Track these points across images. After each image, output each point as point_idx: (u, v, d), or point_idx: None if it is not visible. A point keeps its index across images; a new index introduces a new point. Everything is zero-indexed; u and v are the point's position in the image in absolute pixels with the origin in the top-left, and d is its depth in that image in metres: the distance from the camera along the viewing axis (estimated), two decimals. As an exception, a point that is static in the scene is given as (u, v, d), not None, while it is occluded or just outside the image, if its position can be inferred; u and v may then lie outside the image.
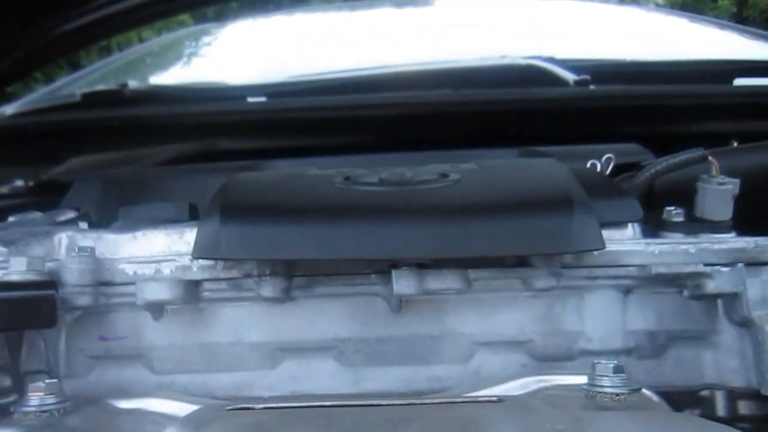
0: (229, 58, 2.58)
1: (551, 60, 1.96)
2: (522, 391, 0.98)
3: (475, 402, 0.84)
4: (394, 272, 0.98)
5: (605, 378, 0.90)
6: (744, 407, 1.02)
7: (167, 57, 2.68)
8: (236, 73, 2.21)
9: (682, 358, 1.05)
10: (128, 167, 1.51)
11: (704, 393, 1.04)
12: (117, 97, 1.74)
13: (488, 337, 1.05)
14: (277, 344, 1.05)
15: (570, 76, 1.79)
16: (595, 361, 0.91)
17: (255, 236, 0.94)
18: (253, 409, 0.76)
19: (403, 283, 0.97)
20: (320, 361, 1.05)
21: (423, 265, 0.99)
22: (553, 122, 1.63)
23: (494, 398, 0.83)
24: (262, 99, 1.82)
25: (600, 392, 0.89)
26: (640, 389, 0.90)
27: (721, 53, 2.04)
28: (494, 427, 0.71)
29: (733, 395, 1.02)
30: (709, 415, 1.04)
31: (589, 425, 0.74)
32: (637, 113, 1.63)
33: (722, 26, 2.49)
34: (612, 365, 0.90)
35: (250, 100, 1.82)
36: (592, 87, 1.73)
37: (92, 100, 1.75)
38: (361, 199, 1.02)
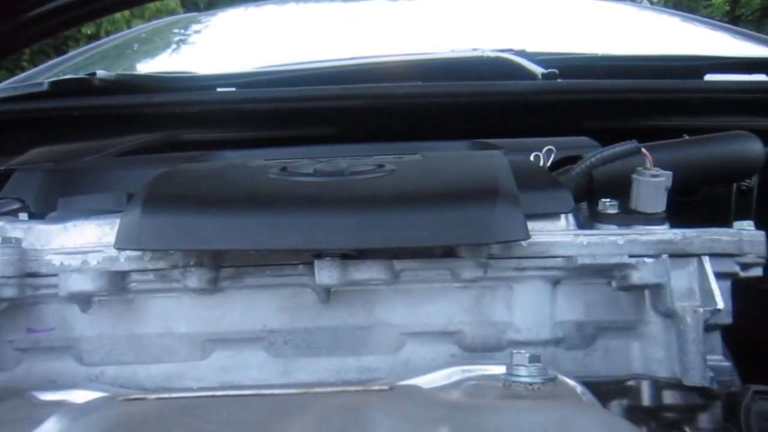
0: (208, 47, 2.58)
1: (521, 53, 1.95)
2: (446, 381, 0.98)
3: (365, 391, 0.84)
4: (316, 263, 0.97)
5: (521, 368, 0.90)
6: (668, 397, 1.02)
7: (148, 46, 2.67)
8: (212, 63, 2.21)
9: (611, 348, 1.05)
10: (71, 158, 1.51)
11: (631, 383, 1.04)
12: (85, 87, 1.72)
13: (417, 327, 1.04)
14: (206, 335, 1.05)
15: (538, 70, 1.78)
16: (514, 351, 0.91)
17: (175, 227, 0.94)
18: (145, 399, 0.76)
19: (325, 273, 0.97)
20: (250, 352, 1.05)
21: (348, 256, 0.99)
22: (517, 115, 1.62)
23: (385, 387, 0.82)
24: (232, 89, 1.82)
25: (515, 381, 0.88)
26: (555, 378, 0.90)
27: (696, 50, 2.02)
28: (370, 414, 0.71)
29: (658, 385, 1.02)
30: (635, 404, 1.04)
31: (465, 413, 0.74)
32: (603, 107, 1.62)
33: (709, 25, 2.47)
34: (528, 355, 0.90)
35: (220, 90, 1.82)
36: (559, 81, 1.72)
37: (59, 89, 1.73)
38: (289, 189, 1.02)
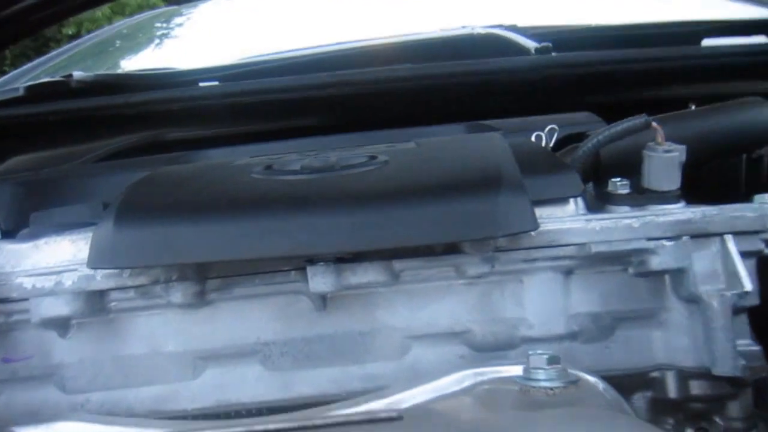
0: (192, 41, 2.48)
1: (512, 28, 1.86)
2: (457, 387, 0.89)
3: (371, 422, 0.75)
4: (309, 269, 0.88)
5: (539, 371, 0.81)
6: (696, 387, 0.94)
7: (131, 42, 2.56)
8: (196, 56, 2.11)
9: (631, 339, 0.96)
10: (50, 166, 1.41)
11: (655, 374, 0.96)
12: (62, 89, 1.63)
13: (422, 329, 0.96)
14: (197, 352, 0.96)
15: (531, 44, 1.69)
16: (530, 352, 0.83)
17: (152, 240, 0.84)
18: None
19: (319, 280, 0.88)
20: (245, 368, 0.96)
21: (343, 259, 0.89)
22: (512, 94, 1.53)
23: (394, 414, 0.73)
24: (214, 83, 1.73)
25: (534, 387, 0.79)
26: (578, 380, 0.80)
27: (692, 15, 1.92)
28: None
29: (684, 375, 0.94)
30: (660, 397, 0.96)
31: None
32: (602, 80, 1.54)
33: None
34: (546, 356, 0.81)
35: (203, 84, 1.73)
36: (553, 54, 1.62)
37: (36, 93, 1.64)
38: (275, 190, 0.92)
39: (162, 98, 1.58)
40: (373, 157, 1.00)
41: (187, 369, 0.96)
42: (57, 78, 1.71)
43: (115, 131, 1.57)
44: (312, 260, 0.88)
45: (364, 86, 1.56)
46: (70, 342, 0.96)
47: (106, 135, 1.57)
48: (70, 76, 1.66)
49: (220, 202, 0.89)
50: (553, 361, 0.81)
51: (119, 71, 2.15)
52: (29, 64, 2.27)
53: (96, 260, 0.85)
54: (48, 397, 0.96)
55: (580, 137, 1.20)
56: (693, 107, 1.31)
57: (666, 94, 1.54)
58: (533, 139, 1.17)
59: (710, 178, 1.26)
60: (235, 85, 1.64)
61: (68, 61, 2.24)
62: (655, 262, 0.91)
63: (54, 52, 2.45)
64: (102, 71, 1.93)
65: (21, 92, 1.64)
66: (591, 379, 0.87)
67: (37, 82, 1.75)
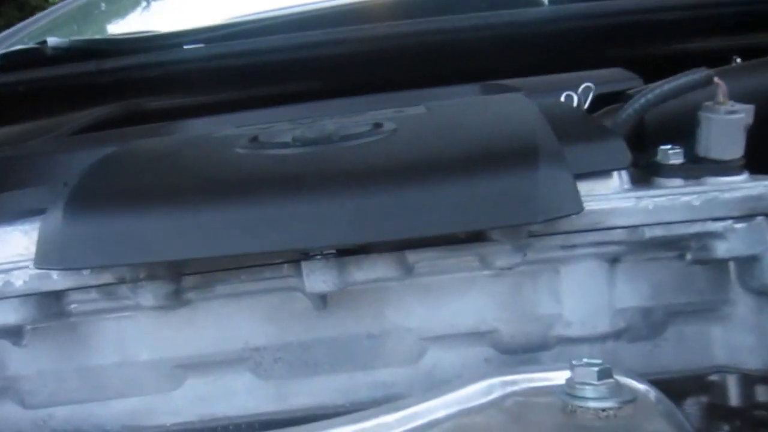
0: (178, 2, 2.29)
1: None
2: (484, 399, 0.74)
3: None
4: (303, 265, 0.72)
5: (587, 387, 0.65)
6: (762, 393, 0.80)
7: (116, 6, 2.38)
8: (181, 19, 1.93)
9: (685, 336, 0.82)
10: (22, 140, 1.25)
11: (713, 378, 0.83)
12: (36, 57, 1.47)
13: (441, 329, 0.81)
14: (175, 360, 0.81)
15: None
16: (574, 362, 0.67)
17: (109, 235, 0.68)
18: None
19: (316, 278, 0.73)
20: (233, 377, 0.82)
21: (345, 251, 0.73)
22: (526, 49, 1.36)
23: None
24: (198, 46, 1.55)
25: (581, 407, 0.64)
26: (635, 398, 0.65)
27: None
28: None
29: (748, 380, 0.80)
30: (718, 402, 0.83)
31: None
32: (624, 32, 1.36)
33: None
34: (597, 369, 0.67)
35: (187, 48, 1.55)
36: (569, 5, 1.45)
37: (9, 62, 1.48)
38: (261, 168, 0.76)
39: (138, 63, 1.41)
40: (378, 126, 0.84)
41: (165, 379, 0.82)
42: (30, 45, 1.55)
43: (89, 101, 1.42)
44: (307, 254, 0.72)
45: (363, 45, 1.40)
46: (26, 351, 0.81)
47: (79, 106, 1.42)
48: (44, 42, 1.50)
49: (195, 186, 0.73)
50: (604, 375, 0.66)
51: (105, 36, 1.97)
52: (9, 30, 2.09)
53: (42, 259, 0.70)
54: (6, 414, 0.83)
55: (614, 98, 1.04)
56: (738, 61, 1.14)
57: (702, 46, 1.36)
58: (562, 100, 1.00)
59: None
60: (220, 46, 1.47)
61: (51, 25, 2.06)
62: (722, 249, 0.75)
63: (36, 17, 2.27)
64: (84, 37, 1.77)
65: None
66: (641, 387, 0.72)
67: (10, 50, 1.59)
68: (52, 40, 1.52)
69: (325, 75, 1.40)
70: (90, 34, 2.06)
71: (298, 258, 0.75)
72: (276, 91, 1.38)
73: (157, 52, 1.48)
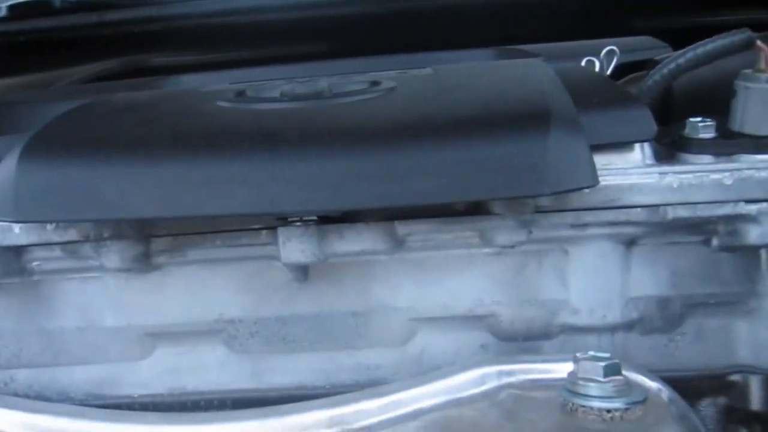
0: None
1: None
2: (476, 390, 0.66)
3: None
4: (280, 231, 0.64)
5: (592, 384, 0.57)
6: None
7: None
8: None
9: (705, 331, 0.74)
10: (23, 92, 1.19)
11: (734, 378, 0.74)
12: (45, 8, 1.41)
13: (433, 311, 0.73)
14: (144, 328, 0.74)
15: None
16: (579, 354, 0.59)
17: (66, 186, 0.61)
18: None
19: (293, 246, 0.65)
20: (206, 349, 0.75)
21: (328, 219, 0.65)
22: (549, 17, 1.26)
23: None
24: (205, 1, 1.48)
25: (584, 406, 0.56)
26: (644, 399, 0.57)
27: None
28: None
29: None
30: (739, 406, 0.75)
31: None
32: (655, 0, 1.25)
33: None
34: (603, 365, 0.58)
35: (192, 2, 1.48)
36: None
37: (19, 13, 1.42)
38: (241, 123, 0.68)
39: (141, 17, 1.33)
40: (375, 84, 0.75)
41: (132, 347, 0.75)
42: None
43: (92, 55, 1.36)
44: (285, 220, 0.64)
45: (376, 5, 1.30)
46: None
47: (81, 60, 1.36)
48: None
49: (166, 139, 0.65)
50: (611, 371, 0.57)
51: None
52: None
53: None
54: None
55: (641, 67, 0.94)
56: None
57: (742, 19, 1.25)
58: (583, 65, 0.90)
59: None
60: (226, 1, 1.38)
61: None
62: (755, 234, 0.66)
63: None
64: None
65: (2, 12, 1.43)
66: (653, 385, 0.63)
67: (19, 0, 1.53)
68: None
69: (335, 36, 1.32)
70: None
71: (276, 224, 0.67)
72: (283, 52, 1.31)
73: (161, 5, 1.41)
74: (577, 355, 0.60)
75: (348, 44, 1.30)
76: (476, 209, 0.67)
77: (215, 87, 0.85)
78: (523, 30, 1.25)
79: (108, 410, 0.72)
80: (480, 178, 0.59)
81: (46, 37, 1.35)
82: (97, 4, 1.41)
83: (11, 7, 1.46)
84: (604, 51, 0.87)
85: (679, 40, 0.93)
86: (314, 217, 0.65)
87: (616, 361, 0.58)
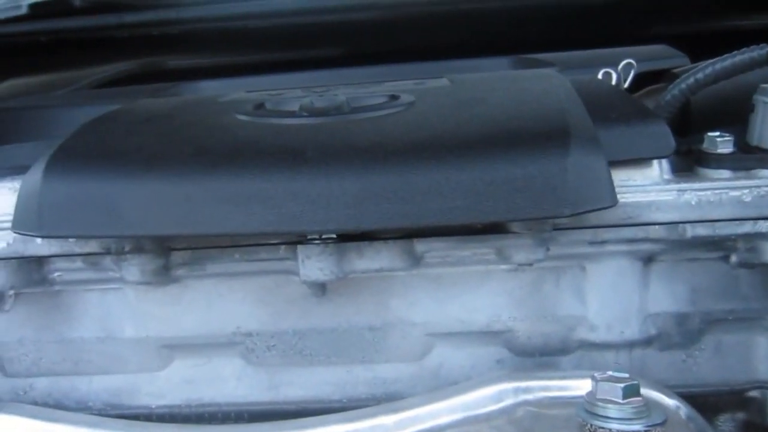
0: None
1: None
2: (494, 406, 0.65)
3: None
4: (299, 249, 0.63)
5: (610, 406, 0.55)
6: None
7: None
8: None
9: (724, 347, 0.73)
10: (42, 92, 1.18)
11: (753, 393, 0.73)
12: (65, 8, 1.40)
13: (449, 326, 0.72)
14: (162, 340, 0.74)
15: None
16: (598, 376, 0.58)
17: (89, 203, 0.60)
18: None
19: (313, 264, 0.64)
20: (223, 361, 0.74)
21: (347, 236, 0.64)
22: (566, 22, 1.24)
23: None
24: (222, 5, 1.46)
25: (602, 428, 0.55)
26: (665, 422, 0.55)
27: None
28: None
29: None
30: (757, 422, 0.73)
31: None
32: (675, 6, 1.22)
33: None
34: (622, 386, 0.57)
35: (209, 5, 1.47)
36: None
37: (40, 10, 1.41)
38: (260, 139, 0.67)
39: (159, 19, 1.32)
40: (394, 97, 0.74)
41: (150, 359, 0.75)
42: None
43: (110, 56, 1.35)
44: (305, 238, 0.63)
45: (392, 10, 1.29)
46: (7, 316, 0.75)
47: (100, 60, 1.35)
48: None
49: (186, 156, 0.64)
50: (630, 392, 0.56)
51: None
52: None
53: (20, 223, 0.62)
54: None
55: (657, 77, 0.92)
56: None
57: (747, 24, 1.23)
58: (600, 77, 0.88)
59: None
60: (244, 5, 1.37)
61: None
62: None
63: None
64: None
65: (24, 10, 1.42)
66: (671, 403, 0.62)
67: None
68: None
69: (351, 41, 1.31)
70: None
71: (295, 240, 0.66)
72: (299, 56, 1.30)
73: (179, 8, 1.40)
74: (596, 374, 0.58)
75: (361, 48, 1.28)
76: (494, 228, 0.66)
77: (233, 96, 0.83)
78: (538, 35, 1.23)
79: (126, 421, 0.72)
80: (499, 200, 0.58)
81: (66, 38, 1.35)
82: (116, 6, 1.40)
83: (33, 6, 1.46)
84: (621, 64, 0.85)
85: (699, 48, 0.91)
86: (333, 235, 0.64)
87: (635, 381, 0.57)
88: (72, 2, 1.42)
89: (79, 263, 0.70)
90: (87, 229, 0.61)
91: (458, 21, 1.28)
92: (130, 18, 1.35)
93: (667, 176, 0.69)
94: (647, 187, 0.67)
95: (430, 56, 1.10)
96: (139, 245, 0.67)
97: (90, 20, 1.36)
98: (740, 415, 0.73)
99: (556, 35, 1.19)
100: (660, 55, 0.96)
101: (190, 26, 1.35)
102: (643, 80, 0.92)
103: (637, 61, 0.91)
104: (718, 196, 0.66)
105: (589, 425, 0.57)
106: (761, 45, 0.72)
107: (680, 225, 0.65)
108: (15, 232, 0.64)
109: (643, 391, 0.60)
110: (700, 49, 0.92)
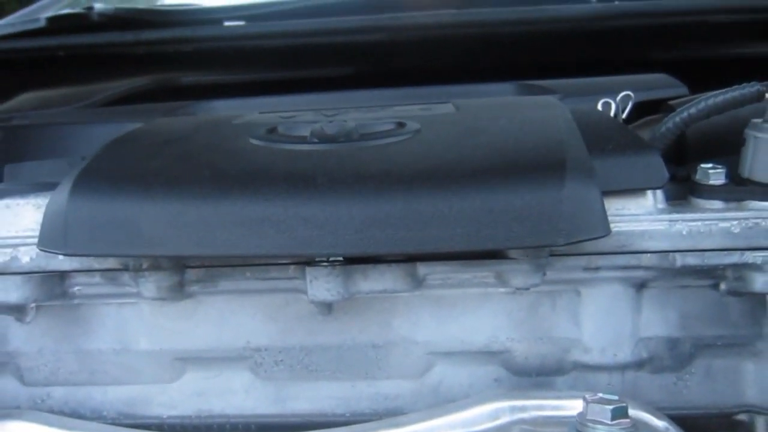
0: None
1: None
2: (490, 424, 0.67)
3: None
4: (308, 271, 0.66)
5: (600, 427, 0.58)
6: None
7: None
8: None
9: (713, 371, 0.75)
10: (58, 105, 1.21)
11: (741, 417, 0.75)
12: (82, 22, 1.43)
13: (450, 345, 0.74)
14: (175, 353, 0.77)
15: None
16: (588, 396, 0.60)
17: (111, 224, 0.63)
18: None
19: (320, 285, 0.67)
20: (232, 374, 0.77)
21: (353, 259, 0.67)
22: (569, 48, 1.28)
23: None
24: (240, 23, 1.49)
25: (592, 444, 0.57)
26: None
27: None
28: None
29: None
30: None
31: None
32: (675, 34, 1.25)
33: None
34: (611, 408, 0.59)
35: (228, 24, 1.49)
36: (617, 2, 1.34)
37: (57, 25, 1.44)
38: (272, 165, 0.69)
39: (175, 37, 1.35)
40: (401, 125, 0.76)
41: (164, 371, 0.78)
42: (77, 10, 1.51)
43: (125, 72, 1.37)
44: (313, 259, 0.66)
45: (401, 33, 1.32)
46: (28, 328, 0.77)
47: (115, 76, 1.37)
48: (91, 8, 1.46)
49: (203, 180, 0.67)
50: (619, 414, 0.58)
51: (149, 6, 1.93)
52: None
53: (45, 240, 0.65)
54: (5, 388, 0.80)
55: (656, 106, 0.95)
56: None
57: (749, 51, 1.25)
58: (599, 107, 0.91)
59: None
60: (257, 26, 1.40)
61: None
62: (761, 282, 0.67)
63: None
64: (129, 5, 1.72)
65: (42, 23, 1.45)
66: (660, 425, 0.64)
67: (58, 13, 1.55)
68: (98, 6, 1.49)
69: (362, 61, 1.33)
70: (136, 3, 2.02)
71: (304, 261, 0.68)
72: (311, 75, 1.32)
73: (194, 27, 1.43)
74: (586, 396, 0.61)
75: (369, 68, 1.31)
76: (493, 253, 0.69)
77: (247, 118, 0.86)
78: (541, 60, 1.26)
79: (138, 430, 0.74)
80: (498, 228, 0.61)
81: (83, 53, 1.38)
82: (134, 22, 1.43)
83: (50, 19, 1.49)
84: (620, 96, 0.87)
85: (697, 74, 0.93)
86: (340, 258, 0.66)
87: (624, 404, 0.59)
88: (90, 17, 1.46)
89: (98, 278, 0.73)
90: (109, 249, 0.64)
91: (464, 45, 1.31)
92: (146, 35, 1.38)
93: (660, 205, 0.71)
94: (640, 217, 0.69)
95: (440, 78, 1.12)
96: (156, 263, 0.69)
97: (107, 36, 1.39)
98: None
99: (561, 61, 1.21)
100: (659, 84, 0.98)
101: (203, 44, 1.38)
102: (641, 109, 0.95)
103: (636, 91, 0.94)
104: (708, 227, 0.68)
105: (580, 442, 0.60)
106: (752, 83, 0.74)
107: (671, 254, 0.68)
108: (41, 249, 0.67)
109: (633, 412, 0.62)
110: (700, 76, 0.94)
